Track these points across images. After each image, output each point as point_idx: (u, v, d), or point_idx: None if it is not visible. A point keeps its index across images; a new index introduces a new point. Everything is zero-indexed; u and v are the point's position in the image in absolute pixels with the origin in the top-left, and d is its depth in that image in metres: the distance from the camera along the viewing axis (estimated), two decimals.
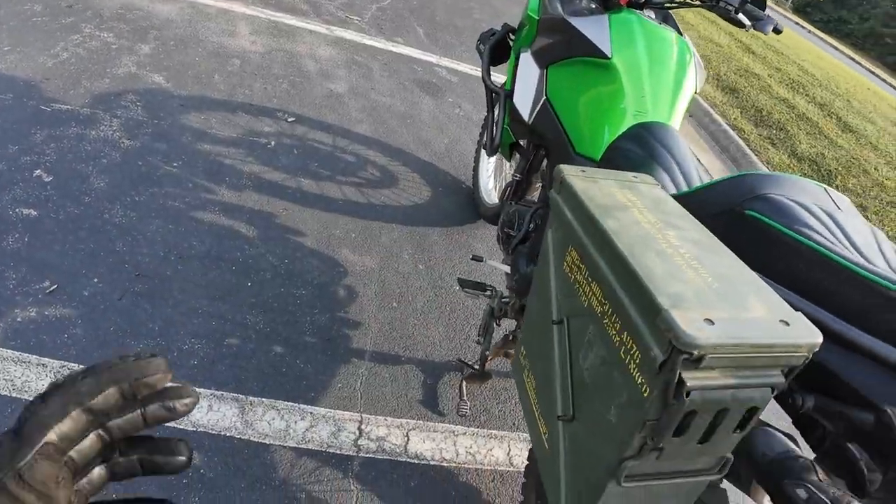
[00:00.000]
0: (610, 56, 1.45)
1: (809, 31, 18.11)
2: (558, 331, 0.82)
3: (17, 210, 1.88)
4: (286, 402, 1.62)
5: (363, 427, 1.63)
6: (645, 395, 0.59)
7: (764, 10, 1.61)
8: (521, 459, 1.69)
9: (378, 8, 4.24)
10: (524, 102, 1.74)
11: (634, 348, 0.62)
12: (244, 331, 1.75)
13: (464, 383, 1.76)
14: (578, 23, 1.53)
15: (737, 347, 0.55)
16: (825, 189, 0.95)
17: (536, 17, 1.73)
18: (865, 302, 0.76)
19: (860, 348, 0.74)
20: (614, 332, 0.66)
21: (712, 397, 0.57)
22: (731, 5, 1.55)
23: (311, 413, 1.62)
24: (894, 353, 0.72)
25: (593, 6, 1.66)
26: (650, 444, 0.61)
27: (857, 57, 17.67)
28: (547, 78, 1.65)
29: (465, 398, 1.74)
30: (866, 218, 4.13)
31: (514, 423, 1.79)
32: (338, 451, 1.56)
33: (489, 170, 2.60)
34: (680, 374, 0.55)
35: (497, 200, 2.44)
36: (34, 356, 1.52)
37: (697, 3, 1.65)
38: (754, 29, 1.63)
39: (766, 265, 0.85)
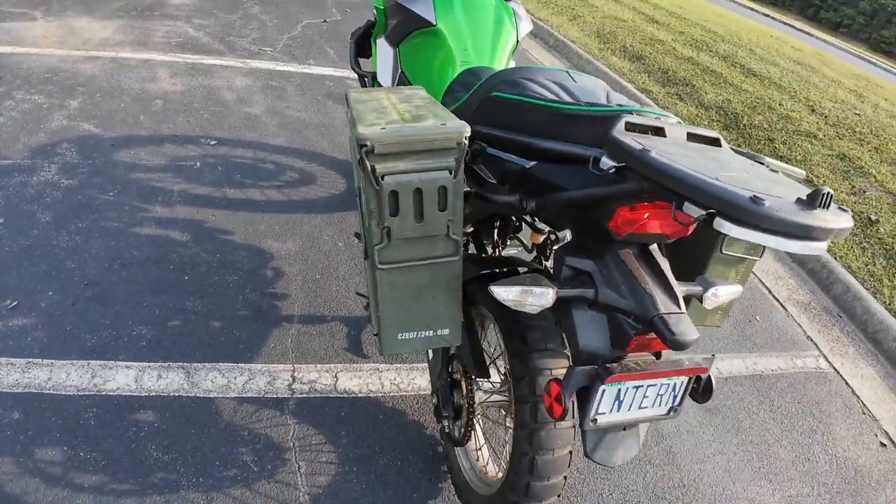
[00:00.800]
0: (435, 23, 1.80)
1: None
2: (358, 200, 1.15)
3: None
4: (226, 364, 1.90)
5: (296, 374, 1.92)
6: (365, 190, 0.94)
7: None
8: None
9: (289, 37, 4.58)
10: (386, 79, 2.09)
11: (360, 166, 0.95)
12: (185, 314, 2.04)
13: None
14: (408, 3, 1.89)
15: (398, 138, 0.90)
16: (568, 70, 1.31)
17: (382, 7, 2.09)
18: (560, 126, 1.09)
19: (560, 155, 1.08)
20: (360, 168, 1.00)
21: (403, 180, 0.92)
22: None
23: (248, 369, 1.90)
24: (577, 148, 1.05)
25: None
26: (381, 226, 0.94)
27: (774, 14, 18.46)
28: (399, 54, 2.00)
29: None
30: (775, 149, 4.49)
31: None
32: (274, 396, 1.84)
33: None
34: (372, 165, 0.88)
35: None
36: (3, 358, 1.79)
37: None
38: None
39: (506, 124, 1.19)
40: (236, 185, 2.74)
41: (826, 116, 5.27)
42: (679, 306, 0.97)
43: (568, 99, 1.17)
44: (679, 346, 0.91)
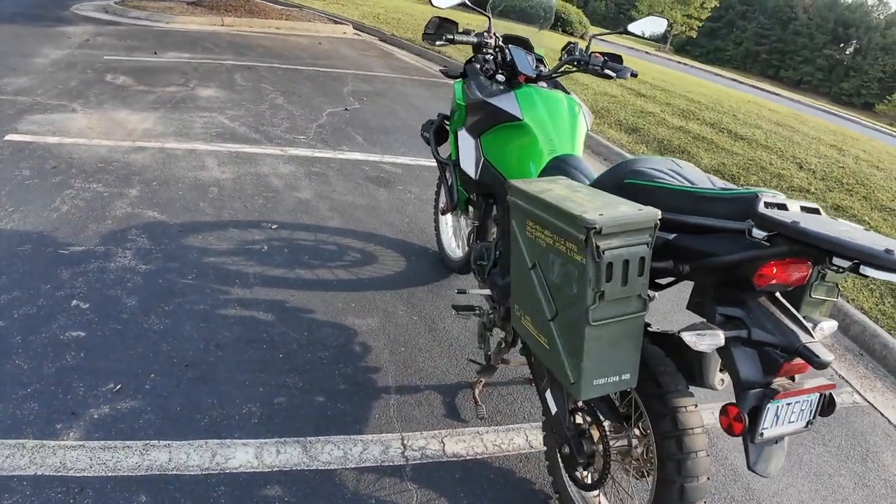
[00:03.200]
0: (522, 118, 2.01)
1: (692, 66, 20.43)
2: (534, 272, 1.38)
3: (66, 334, 2.18)
4: (339, 436, 1.95)
5: (406, 442, 1.97)
6: (584, 263, 1.16)
7: (621, 64, 2.23)
8: (538, 441, 2.06)
9: (318, 125, 4.84)
10: (469, 165, 2.28)
11: (573, 245, 1.19)
12: (288, 390, 2.09)
13: (476, 393, 2.15)
14: (495, 101, 2.11)
15: (617, 223, 1.15)
16: (672, 160, 1.58)
17: (464, 104, 2.31)
18: (696, 205, 1.34)
19: (701, 228, 1.32)
20: (561, 245, 1.23)
21: (617, 253, 1.15)
22: (597, 66, 2.16)
23: (360, 440, 1.95)
24: (712, 221, 1.30)
25: (501, 87, 2.23)
26: (596, 291, 1.16)
27: (739, 77, 20.09)
28: (482, 144, 2.20)
29: (480, 404, 2.13)
30: None
31: (524, 416, 2.18)
32: (391, 464, 1.89)
33: (448, 232, 3.10)
34: (596, 243, 1.12)
35: (461, 255, 2.93)
36: (118, 441, 1.80)
37: (574, 69, 2.25)
38: (617, 77, 2.22)
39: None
40: (305, 266, 2.85)
41: (814, 171, 5.64)
42: (812, 336, 1.21)
43: (682, 180, 1.44)
44: (823, 366, 1.14)
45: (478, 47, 2.30)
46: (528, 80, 2.21)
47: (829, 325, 1.34)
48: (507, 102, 2.09)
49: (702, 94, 9.37)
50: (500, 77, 2.28)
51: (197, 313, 2.39)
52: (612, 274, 1.16)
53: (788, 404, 1.22)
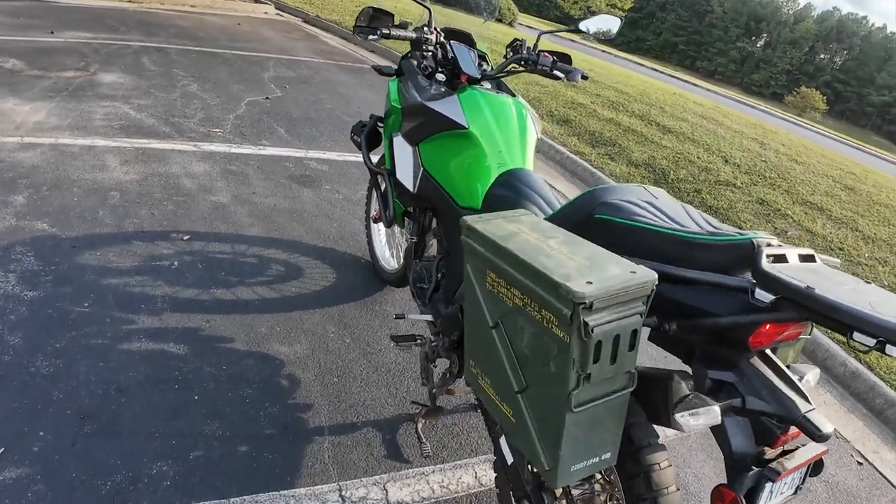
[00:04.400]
0: (467, 126, 1.82)
1: (616, 56, 20.80)
2: (496, 332, 1.16)
3: None
4: (267, 494, 1.73)
5: (344, 493, 1.78)
6: (568, 341, 0.95)
7: (570, 65, 2.06)
8: (487, 478, 1.92)
9: (236, 117, 4.45)
10: (406, 177, 2.06)
11: (551, 316, 0.97)
12: (206, 440, 1.84)
13: (419, 428, 1.98)
14: (436, 105, 1.90)
15: (609, 293, 0.93)
16: (644, 187, 1.39)
17: (399, 106, 2.08)
18: (685, 252, 1.17)
19: (690, 280, 1.14)
20: (536, 313, 1.01)
21: (608, 329, 0.95)
22: (546, 67, 1.99)
23: (293, 496, 1.74)
24: (706, 275, 1.13)
25: (442, 89, 2.03)
26: (581, 374, 0.96)
27: (659, 67, 20.68)
28: (420, 153, 1.99)
29: (424, 441, 1.95)
30: (703, 199, 4.87)
31: (472, 450, 2.03)
32: None
33: (382, 241, 2.89)
34: (584, 319, 0.92)
35: (396, 266, 2.73)
36: None
37: (521, 69, 2.07)
38: (567, 80, 2.05)
39: (618, 248, 1.22)
40: (222, 284, 2.56)
41: (739, 166, 5.81)
42: (810, 402, 1.08)
43: (660, 215, 1.26)
44: (825, 439, 1.02)
45: (416, 43, 2.08)
46: (471, 80, 2.01)
47: (813, 375, 1.23)
48: (450, 108, 1.88)
49: (630, 85, 9.49)
50: (440, 76, 2.07)
51: (94, 350, 2.08)
52: (601, 353, 0.97)
53: (784, 481, 1.13)
